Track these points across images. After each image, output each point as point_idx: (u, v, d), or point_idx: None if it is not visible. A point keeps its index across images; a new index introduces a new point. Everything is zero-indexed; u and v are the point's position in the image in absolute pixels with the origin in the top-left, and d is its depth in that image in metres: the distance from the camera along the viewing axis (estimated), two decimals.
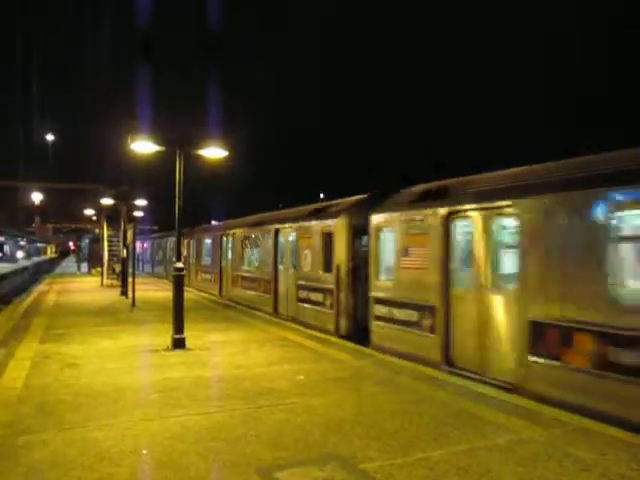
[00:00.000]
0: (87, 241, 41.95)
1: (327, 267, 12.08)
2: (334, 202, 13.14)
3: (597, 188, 6.14)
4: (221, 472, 4.40)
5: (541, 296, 6.64)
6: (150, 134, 9.95)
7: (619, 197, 5.86)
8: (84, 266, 38.01)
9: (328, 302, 11.91)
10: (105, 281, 24.42)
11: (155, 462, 4.57)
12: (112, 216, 25.18)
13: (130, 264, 19.34)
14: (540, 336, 6.59)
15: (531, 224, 6.92)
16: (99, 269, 27.24)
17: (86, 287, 23.89)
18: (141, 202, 24.82)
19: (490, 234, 7.74)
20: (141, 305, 16.01)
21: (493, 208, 7.65)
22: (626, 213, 6.00)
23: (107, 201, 22.85)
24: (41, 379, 7.30)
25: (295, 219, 14.21)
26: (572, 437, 5.11)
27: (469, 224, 8.16)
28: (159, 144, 9.97)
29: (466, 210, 8.14)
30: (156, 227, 48.33)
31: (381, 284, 10.12)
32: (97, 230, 36.22)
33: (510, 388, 6.87)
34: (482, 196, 7.91)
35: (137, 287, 16.56)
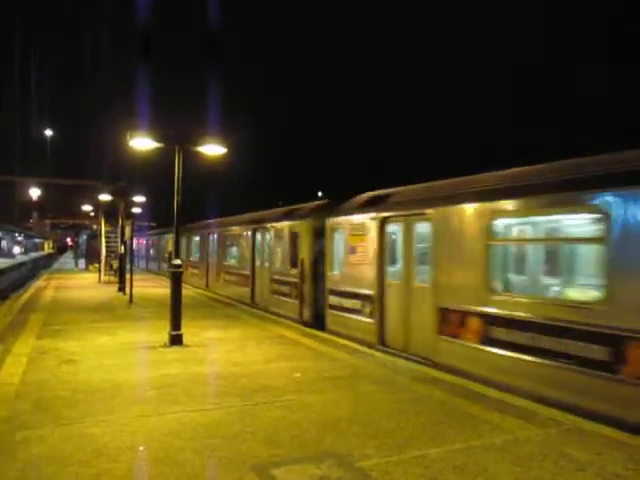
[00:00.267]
0: (85, 237, 41.93)
1: (294, 263, 13.52)
2: (302, 205, 14.51)
3: (473, 202, 7.82)
4: (217, 469, 4.41)
5: (446, 288, 8.24)
6: (149, 131, 9.94)
7: (490, 209, 7.55)
8: (82, 262, 37.99)
9: (294, 293, 13.42)
10: (103, 277, 24.40)
11: (152, 458, 4.58)
12: (110, 212, 25.17)
13: (128, 260, 19.35)
14: (445, 319, 8.17)
15: (437, 230, 8.51)
16: (97, 265, 27.24)
17: (84, 283, 23.87)
18: (139, 198, 24.79)
19: (412, 237, 9.30)
20: (138, 301, 16.01)
21: (414, 215, 9.18)
22: (496, 222, 7.54)
23: (105, 197, 22.84)
24: (38, 375, 7.30)
25: (269, 220, 15.62)
26: (567, 437, 5.14)
27: (398, 228, 9.74)
28: (158, 141, 9.96)
29: (395, 216, 9.69)
30: (154, 224, 48.29)
31: (334, 277, 11.64)
32: (95, 226, 36.20)
33: (426, 362, 8.31)
34: (407, 205, 9.47)
35: (134, 283, 16.58)
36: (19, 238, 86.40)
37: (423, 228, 9.04)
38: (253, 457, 4.59)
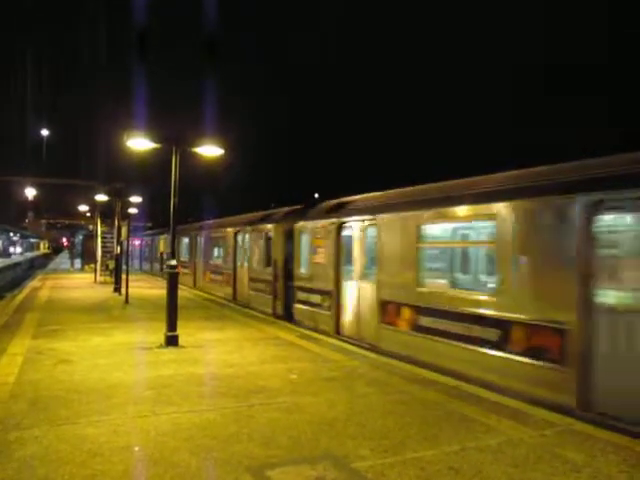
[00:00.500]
0: (81, 237, 41.75)
1: (268, 263, 15.04)
2: (277, 210, 15.94)
3: (406, 211, 9.26)
4: (213, 470, 4.41)
5: (386, 284, 9.63)
6: (146, 131, 9.93)
7: (418, 217, 8.97)
8: (77, 262, 37.88)
9: (268, 290, 14.88)
10: (98, 278, 24.35)
11: (147, 459, 4.58)
12: (106, 213, 25.12)
13: (124, 261, 19.33)
14: (385, 310, 9.59)
15: (380, 234, 9.85)
16: (92, 266, 27.16)
17: (79, 283, 23.82)
18: (136, 199, 24.72)
19: (363, 240, 10.60)
20: (134, 302, 15.99)
21: (364, 221, 10.49)
22: (423, 227, 8.91)
23: (101, 197, 22.77)
24: (33, 375, 7.28)
25: (248, 223, 17.02)
26: (562, 439, 5.16)
27: (351, 232, 10.99)
28: (155, 141, 9.96)
29: (349, 222, 11.04)
30: (150, 224, 48.18)
31: (300, 275, 13.05)
32: (91, 226, 36.07)
33: (372, 348, 9.58)
34: (358, 212, 10.79)
35: (130, 284, 16.54)
36: (14, 238, 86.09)
37: (371, 232, 10.29)
38: (248, 458, 4.60)
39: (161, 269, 30.36)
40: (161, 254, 30.91)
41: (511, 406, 6.19)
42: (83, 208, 34.17)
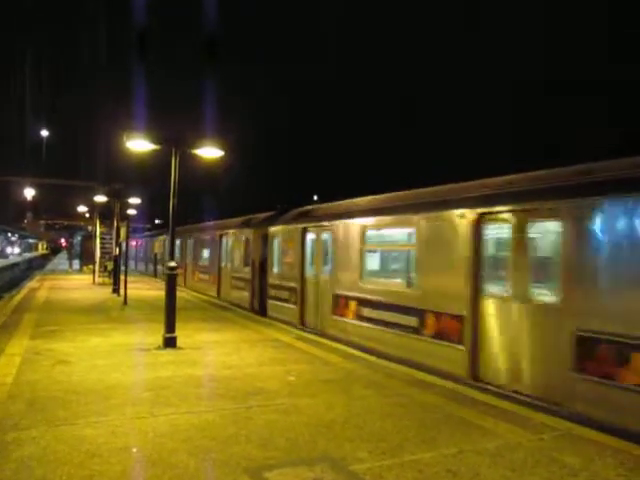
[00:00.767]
0: (79, 238, 41.71)
1: (247, 263, 16.59)
2: (256, 216, 17.20)
3: (353, 218, 10.92)
4: (211, 471, 4.41)
5: (338, 280, 11.19)
6: (146, 132, 9.93)
7: (362, 224, 10.57)
8: (76, 263, 37.83)
9: (247, 288, 16.42)
10: (97, 279, 24.33)
11: (145, 460, 4.58)
12: (105, 214, 25.09)
13: (122, 262, 19.31)
14: (337, 303, 11.16)
15: (334, 237, 11.47)
16: (91, 267, 27.13)
17: (78, 284, 23.80)
18: (135, 200, 24.73)
19: (321, 242, 12.22)
20: (133, 303, 15.98)
21: (321, 226, 12.19)
22: (367, 233, 10.49)
23: (100, 198, 22.77)
24: (31, 375, 7.28)
25: (231, 227, 18.63)
26: (560, 442, 5.16)
27: (313, 236, 12.59)
28: (155, 143, 9.95)
29: (311, 227, 12.66)
30: (149, 226, 48.15)
31: (273, 274, 14.56)
32: (90, 227, 36.02)
33: (326, 336, 11.03)
34: (318, 218, 12.51)
35: (128, 285, 16.53)
36: (13, 238, 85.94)
37: (327, 236, 11.92)
38: (246, 460, 4.60)
39: (154, 270, 31.38)
40: (155, 255, 31.39)
41: (509, 410, 6.20)
42: (82, 209, 34.12)
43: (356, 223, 10.72)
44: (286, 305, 13.48)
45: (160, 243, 30.36)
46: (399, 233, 10.31)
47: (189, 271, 23.92)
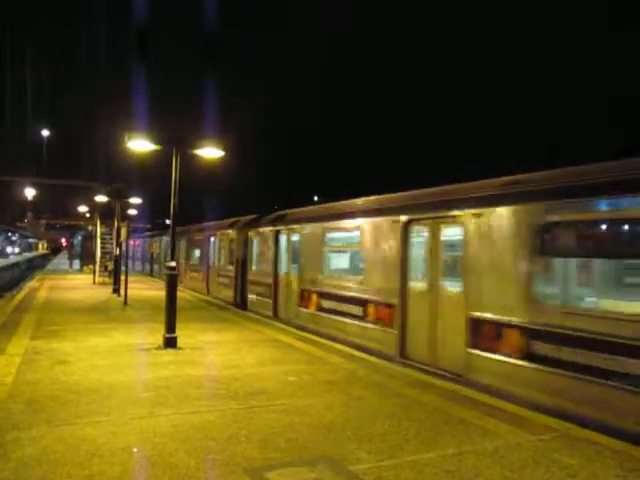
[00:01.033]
0: (80, 238, 41.70)
1: (231, 262, 18.14)
2: (240, 218, 18.58)
3: (317, 222, 12.55)
4: (211, 471, 4.42)
5: (304, 277, 12.71)
6: (147, 133, 9.94)
7: (324, 227, 12.25)
8: (76, 263, 37.83)
9: (231, 284, 17.91)
10: (97, 279, 24.33)
11: (146, 460, 4.58)
12: (106, 214, 25.07)
13: (123, 262, 19.31)
14: (304, 297, 12.64)
15: (301, 239, 13.10)
16: (91, 267, 27.13)
17: (78, 284, 23.81)
18: (135, 200, 24.72)
19: (291, 243, 13.80)
20: (133, 303, 15.99)
21: (292, 229, 13.69)
22: (327, 234, 12.14)
23: (101, 198, 22.77)
24: (31, 375, 7.28)
25: (219, 228, 20.19)
26: (560, 443, 5.17)
27: (285, 237, 14.10)
28: (155, 143, 9.97)
29: (283, 229, 14.23)
30: (149, 226, 48.13)
31: (252, 272, 16.16)
32: (90, 227, 36.00)
33: (294, 325, 12.51)
34: (288, 222, 14.04)
35: (128, 285, 16.54)
36: (13, 238, 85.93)
37: (296, 237, 13.44)
38: (247, 460, 4.61)
39: (151, 269, 32.18)
40: (151, 254, 31.78)
41: (509, 410, 6.20)
42: (83, 209, 34.13)
43: (317, 226, 12.40)
44: (263, 299, 15.04)
45: (157, 243, 30.86)
46: (350, 236, 11.52)
47: (182, 270, 24.59)
